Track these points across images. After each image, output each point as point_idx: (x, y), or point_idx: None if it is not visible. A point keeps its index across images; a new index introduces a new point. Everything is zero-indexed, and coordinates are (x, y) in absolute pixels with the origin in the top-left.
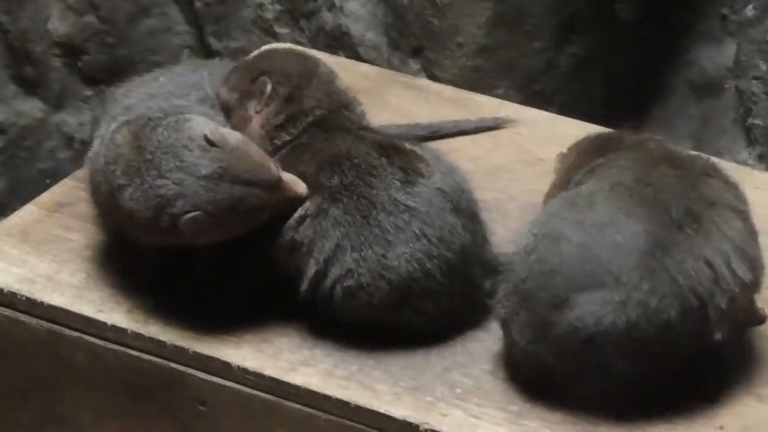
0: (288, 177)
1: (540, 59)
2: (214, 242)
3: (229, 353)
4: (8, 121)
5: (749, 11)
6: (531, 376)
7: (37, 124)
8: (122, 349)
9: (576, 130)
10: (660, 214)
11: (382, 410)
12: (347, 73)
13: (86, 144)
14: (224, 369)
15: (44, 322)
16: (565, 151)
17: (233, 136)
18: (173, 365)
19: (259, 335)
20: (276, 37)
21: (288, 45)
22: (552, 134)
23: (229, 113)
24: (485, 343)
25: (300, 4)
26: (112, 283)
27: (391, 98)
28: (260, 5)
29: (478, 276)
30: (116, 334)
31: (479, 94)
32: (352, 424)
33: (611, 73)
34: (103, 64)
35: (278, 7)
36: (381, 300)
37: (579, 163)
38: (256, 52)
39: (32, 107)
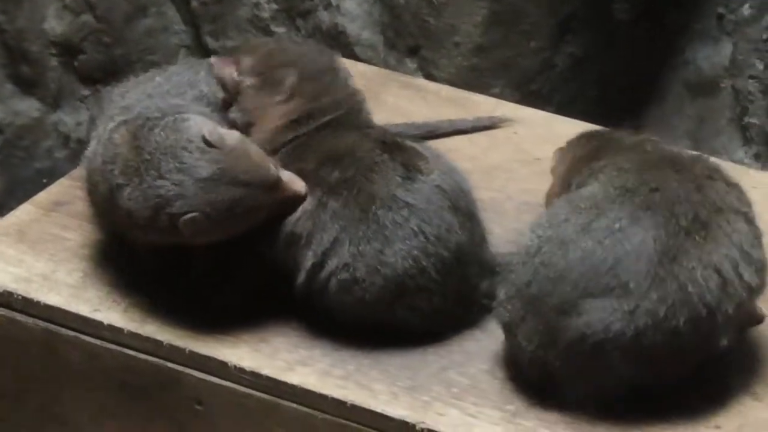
0: (287, 176)
1: (536, 59)
2: (212, 242)
3: (226, 353)
4: (5, 120)
5: (745, 10)
6: (534, 379)
7: (33, 124)
8: (119, 348)
9: (573, 129)
10: (667, 220)
11: (378, 410)
12: None
13: (83, 143)
14: (221, 368)
15: (41, 321)
16: (563, 146)
17: (231, 136)
18: (170, 365)
19: (257, 335)
20: (272, 37)
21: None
22: (549, 133)
23: (231, 91)
24: (482, 342)
25: (296, 3)
26: (109, 283)
27: (387, 98)
28: (257, 4)
29: (475, 276)
30: (113, 333)
31: (476, 94)
32: (349, 423)
33: (608, 72)
34: (100, 63)
35: (274, 6)
36: (375, 295)
37: (579, 166)
38: (269, 39)
39: (29, 106)
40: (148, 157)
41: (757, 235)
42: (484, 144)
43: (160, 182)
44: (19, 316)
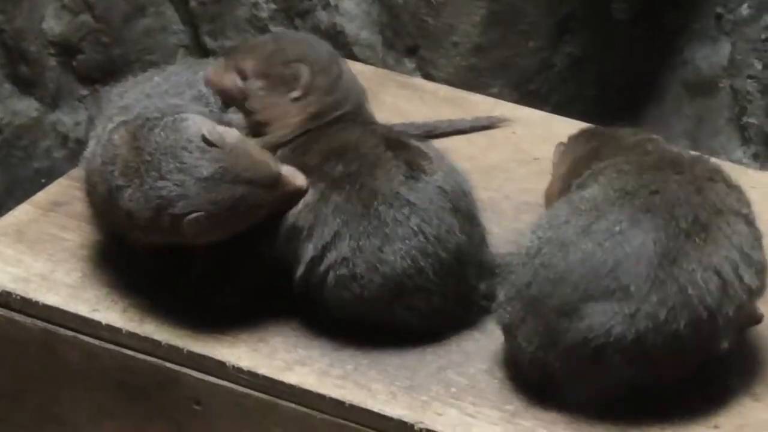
0: (287, 171)
1: (535, 58)
2: (213, 241)
3: (224, 353)
4: (3, 120)
5: (744, 10)
6: (534, 381)
7: (32, 124)
8: (117, 348)
9: (571, 129)
10: (667, 223)
11: (377, 409)
12: None
13: (82, 143)
14: (219, 368)
15: (39, 321)
16: (564, 141)
17: (231, 135)
18: (168, 365)
19: (255, 335)
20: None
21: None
22: (547, 133)
23: (238, 99)
24: (480, 342)
25: (295, 3)
26: (108, 283)
27: (386, 97)
28: (255, 4)
29: (474, 277)
30: (111, 333)
31: (474, 93)
32: (347, 423)
33: (606, 72)
34: (99, 63)
35: (273, 6)
36: (374, 293)
37: (579, 166)
38: (265, 37)
39: (27, 106)
40: (149, 157)
41: (757, 237)
42: (482, 144)
43: (161, 183)
44: (17, 316)
